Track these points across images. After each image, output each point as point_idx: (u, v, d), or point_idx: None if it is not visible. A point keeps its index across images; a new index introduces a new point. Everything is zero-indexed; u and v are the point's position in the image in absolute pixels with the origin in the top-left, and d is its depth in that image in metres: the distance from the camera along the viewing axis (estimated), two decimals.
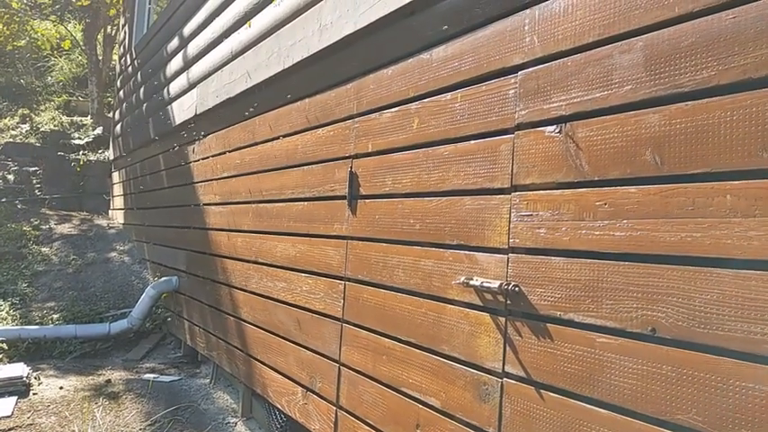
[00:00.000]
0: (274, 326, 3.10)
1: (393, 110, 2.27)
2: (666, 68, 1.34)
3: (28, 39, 11.46)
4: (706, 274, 1.23)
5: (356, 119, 2.50)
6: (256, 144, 3.44)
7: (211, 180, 4.13)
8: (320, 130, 2.78)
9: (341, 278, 2.53)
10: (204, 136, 4.31)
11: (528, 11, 1.71)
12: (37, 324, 4.92)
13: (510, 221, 1.71)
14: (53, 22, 11.69)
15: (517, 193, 1.70)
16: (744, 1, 1.20)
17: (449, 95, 1.99)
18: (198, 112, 4.33)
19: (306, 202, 2.87)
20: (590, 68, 1.51)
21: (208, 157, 4.23)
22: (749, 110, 1.18)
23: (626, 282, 1.39)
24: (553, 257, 1.57)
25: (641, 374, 1.33)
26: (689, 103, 1.29)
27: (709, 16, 1.26)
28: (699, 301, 1.24)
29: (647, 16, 1.39)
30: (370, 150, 2.40)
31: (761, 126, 1.16)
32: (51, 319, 5.04)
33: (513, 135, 1.73)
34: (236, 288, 3.60)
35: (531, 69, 1.68)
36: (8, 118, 9.97)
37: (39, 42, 11.47)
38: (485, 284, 1.73)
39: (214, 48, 4.12)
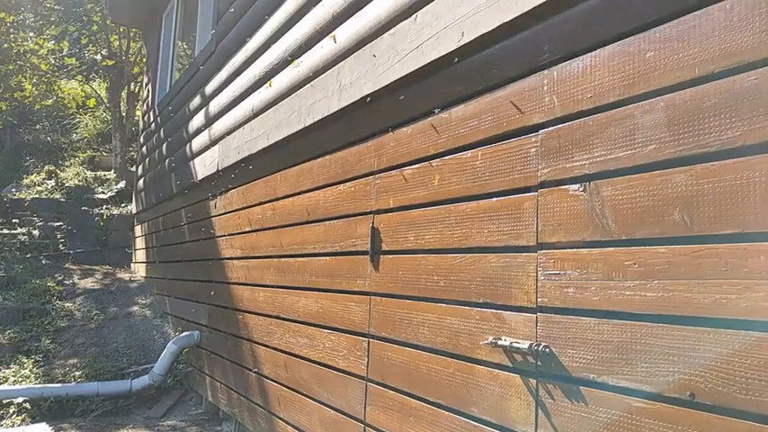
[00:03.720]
0: (297, 383, 3.06)
1: (414, 167, 2.30)
2: (690, 128, 1.34)
3: (55, 98, 11.88)
4: (745, 337, 1.20)
5: (377, 175, 2.53)
6: (278, 199, 3.48)
7: (233, 234, 4.17)
8: (341, 186, 2.81)
9: (364, 335, 2.50)
10: (226, 191, 4.38)
11: (546, 71, 1.74)
12: (59, 382, 4.91)
13: (537, 280, 1.69)
14: (79, 81, 12.13)
15: (543, 251, 1.69)
16: (765, 63, 1.21)
17: (469, 153, 2.01)
18: (220, 168, 4.41)
19: (328, 257, 2.87)
20: (612, 128, 1.52)
21: (229, 212, 4.28)
22: None
23: (660, 344, 1.35)
24: (583, 318, 1.54)
25: None
26: (715, 163, 1.28)
27: (730, 77, 1.27)
28: (739, 366, 1.20)
29: (667, 77, 1.40)
30: (391, 206, 2.41)
31: None
32: (74, 376, 5.04)
33: (536, 193, 1.73)
34: (258, 343, 3.58)
35: (551, 128, 1.70)
36: (34, 174, 10.25)
37: (65, 101, 11.87)
38: (514, 345, 1.70)
39: (235, 106, 4.23)
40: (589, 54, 1.61)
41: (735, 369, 1.21)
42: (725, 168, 1.27)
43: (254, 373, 3.60)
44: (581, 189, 1.59)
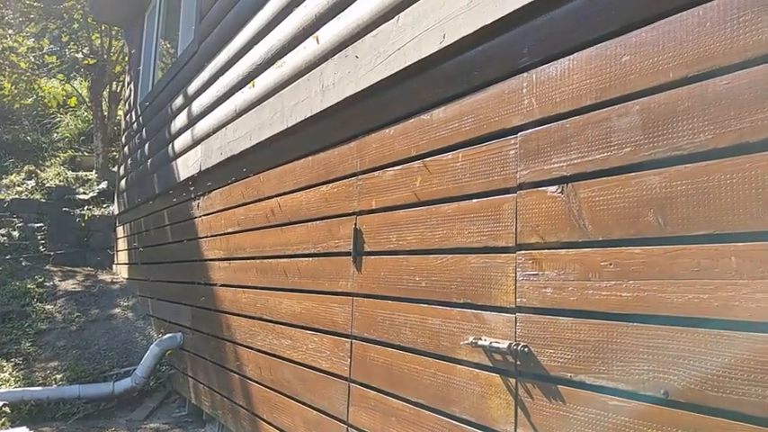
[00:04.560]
0: (280, 384, 3.06)
1: (396, 168, 2.31)
2: (664, 131, 1.36)
3: (35, 97, 11.71)
4: (716, 336, 1.22)
5: (359, 176, 2.54)
6: (261, 200, 3.47)
7: (216, 235, 4.15)
8: (324, 187, 2.81)
9: (347, 336, 2.51)
10: (208, 192, 4.36)
11: (525, 74, 1.76)
12: (40, 385, 4.85)
13: (516, 280, 1.71)
14: (60, 80, 11.97)
15: (522, 251, 1.70)
16: (735, 68, 1.24)
17: (450, 155, 2.03)
18: (202, 169, 4.38)
19: (310, 258, 2.87)
20: (589, 130, 1.54)
21: (212, 213, 4.26)
22: (748, 173, 1.20)
23: (636, 343, 1.38)
24: (561, 317, 1.56)
25: None
26: (688, 165, 1.31)
27: (703, 82, 1.30)
28: (710, 364, 1.23)
29: (642, 81, 1.42)
30: (373, 207, 2.42)
31: (761, 189, 1.18)
32: (54, 379, 4.98)
33: (515, 194, 1.75)
34: (242, 345, 3.57)
35: (530, 131, 1.72)
36: (14, 174, 10.09)
37: (45, 100, 11.71)
38: (494, 345, 1.72)
39: (218, 106, 4.21)
40: (567, 57, 1.63)
41: (707, 367, 1.24)
42: (697, 171, 1.29)
43: (238, 374, 3.58)
44: (559, 191, 1.61)
